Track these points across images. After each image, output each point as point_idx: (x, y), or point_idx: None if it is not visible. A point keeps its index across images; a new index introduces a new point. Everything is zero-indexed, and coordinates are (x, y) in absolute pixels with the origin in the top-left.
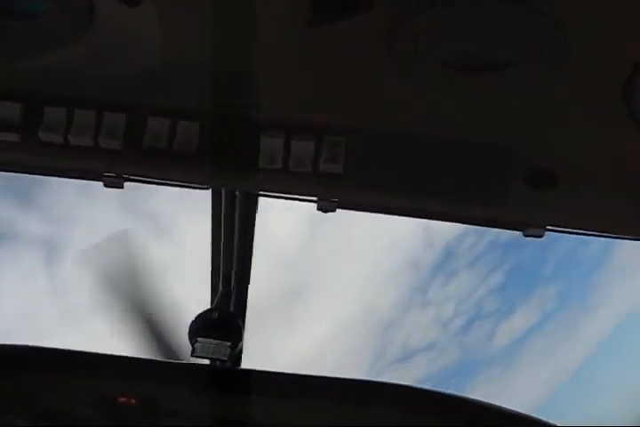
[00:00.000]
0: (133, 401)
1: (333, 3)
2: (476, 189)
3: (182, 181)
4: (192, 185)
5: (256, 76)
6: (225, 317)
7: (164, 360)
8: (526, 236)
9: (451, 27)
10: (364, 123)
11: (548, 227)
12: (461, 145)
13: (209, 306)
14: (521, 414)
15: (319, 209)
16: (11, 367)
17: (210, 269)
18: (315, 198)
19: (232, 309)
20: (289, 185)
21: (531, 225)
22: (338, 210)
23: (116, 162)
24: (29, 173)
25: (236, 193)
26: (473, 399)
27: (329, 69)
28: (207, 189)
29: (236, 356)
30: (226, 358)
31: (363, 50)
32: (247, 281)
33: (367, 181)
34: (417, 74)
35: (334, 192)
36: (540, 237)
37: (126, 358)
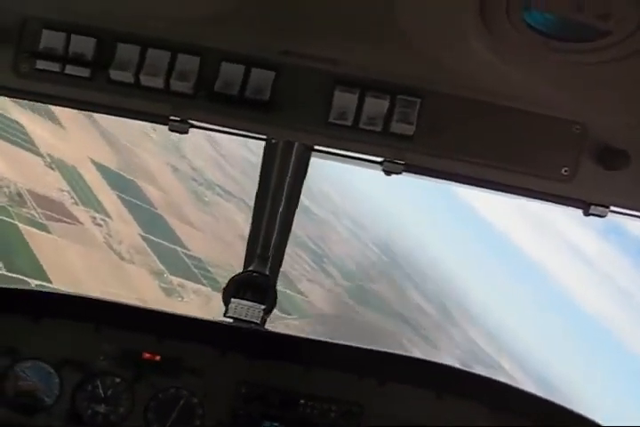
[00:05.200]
0: (158, 358)
1: None
2: (545, 163)
3: (248, 131)
4: (255, 135)
5: (336, 30)
6: (262, 280)
7: (194, 317)
8: (587, 215)
9: None
10: (443, 86)
11: (611, 208)
12: (537, 118)
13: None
14: (567, 409)
15: (384, 171)
16: (38, 313)
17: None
18: (380, 160)
19: (267, 273)
20: (357, 143)
21: (595, 204)
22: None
23: (185, 106)
24: (96, 112)
25: (294, 149)
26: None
27: (413, 28)
28: (269, 140)
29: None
30: (258, 321)
31: (454, 11)
32: (284, 246)
33: (437, 146)
34: (506, 39)
35: (402, 154)
36: (603, 216)
37: (156, 312)
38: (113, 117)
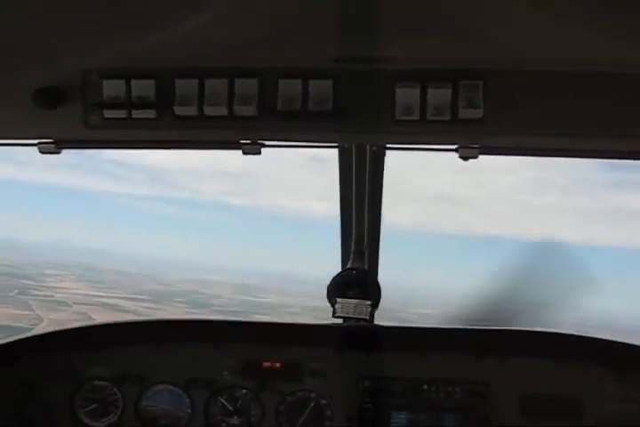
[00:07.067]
0: (278, 365)
1: None
2: (628, 123)
3: (318, 141)
4: (327, 144)
5: (382, 27)
6: (363, 276)
7: (306, 324)
8: None
9: None
10: (502, 64)
11: None
12: (605, 78)
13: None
14: None
15: (461, 157)
16: (158, 341)
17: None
18: (455, 147)
19: (366, 267)
20: (428, 135)
21: None
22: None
23: (252, 129)
24: (167, 149)
25: (367, 150)
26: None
27: (459, 10)
28: (340, 147)
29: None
30: (367, 317)
31: None
32: (378, 239)
33: (508, 124)
34: (558, 2)
35: (476, 138)
36: None
37: (269, 323)
38: None
